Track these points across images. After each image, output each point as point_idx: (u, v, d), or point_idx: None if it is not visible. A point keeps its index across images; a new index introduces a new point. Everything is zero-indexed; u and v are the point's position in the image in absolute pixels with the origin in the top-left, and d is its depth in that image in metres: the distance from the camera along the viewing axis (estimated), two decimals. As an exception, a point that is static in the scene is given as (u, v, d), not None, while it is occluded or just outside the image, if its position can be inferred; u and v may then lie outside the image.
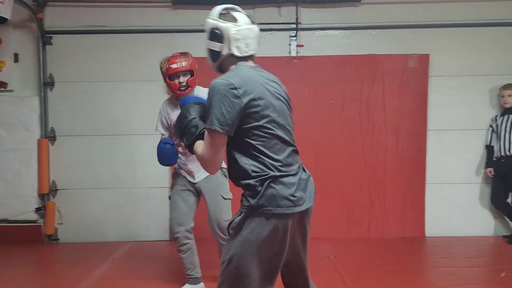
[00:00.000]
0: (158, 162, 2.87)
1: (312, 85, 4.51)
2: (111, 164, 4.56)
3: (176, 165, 3.07)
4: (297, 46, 4.47)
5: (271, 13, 4.52)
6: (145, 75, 4.49)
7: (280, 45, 4.53)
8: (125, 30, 4.49)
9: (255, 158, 1.76)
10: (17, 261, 3.95)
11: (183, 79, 2.92)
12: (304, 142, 4.46)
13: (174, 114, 2.96)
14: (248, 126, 1.75)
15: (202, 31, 4.42)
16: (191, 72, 2.95)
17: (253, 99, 1.73)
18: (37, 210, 4.47)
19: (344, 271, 3.58)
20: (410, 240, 4.44)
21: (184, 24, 4.47)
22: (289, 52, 4.53)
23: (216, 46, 1.86)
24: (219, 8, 1.89)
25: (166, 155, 2.83)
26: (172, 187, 3.15)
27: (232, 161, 1.83)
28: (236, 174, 1.82)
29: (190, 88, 2.95)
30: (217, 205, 3.01)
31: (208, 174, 2.95)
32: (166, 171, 4.47)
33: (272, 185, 1.74)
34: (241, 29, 1.84)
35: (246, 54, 1.87)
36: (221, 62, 1.90)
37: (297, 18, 4.42)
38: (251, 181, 1.74)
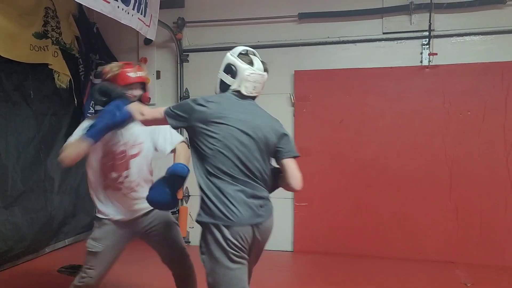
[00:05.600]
0: None
1: (446, 96, 4.19)
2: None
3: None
4: (429, 54, 4.21)
5: (401, 21, 4.33)
6: (272, 88, 4.60)
7: (411, 55, 4.31)
8: (253, 46, 4.63)
9: None
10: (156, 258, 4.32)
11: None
12: (437, 157, 4.19)
13: None
14: None
15: (327, 43, 4.31)
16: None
17: None
18: (172, 213, 4.85)
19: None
20: None
21: (310, 37, 4.51)
22: (421, 61, 4.28)
23: (228, 79, 2.04)
24: (241, 48, 2.08)
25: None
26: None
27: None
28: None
29: None
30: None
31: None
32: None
33: None
34: (254, 73, 2.03)
35: (250, 95, 2.05)
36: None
37: (430, 25, 4.15)
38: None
